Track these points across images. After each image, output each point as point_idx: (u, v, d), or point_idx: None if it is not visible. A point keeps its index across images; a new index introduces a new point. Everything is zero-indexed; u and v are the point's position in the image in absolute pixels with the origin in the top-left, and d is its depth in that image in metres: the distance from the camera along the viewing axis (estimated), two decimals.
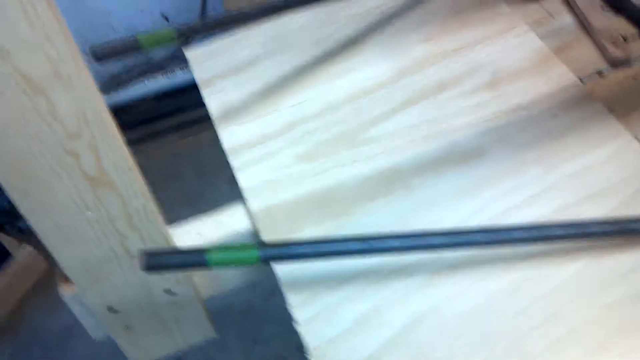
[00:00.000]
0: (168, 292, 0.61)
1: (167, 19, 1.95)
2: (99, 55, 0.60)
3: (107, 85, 2.03)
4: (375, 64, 0.74)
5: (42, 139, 0.44)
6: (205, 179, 1.93)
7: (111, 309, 0.60)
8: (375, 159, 0.64)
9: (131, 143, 0.49)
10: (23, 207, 0.49)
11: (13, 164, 0.45)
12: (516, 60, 0.71)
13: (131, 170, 0.50)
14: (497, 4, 0.78)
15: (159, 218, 0.55)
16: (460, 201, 0.61)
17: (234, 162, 0.66)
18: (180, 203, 1.74)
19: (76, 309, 0.62)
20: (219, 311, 0.68)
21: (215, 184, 1.92)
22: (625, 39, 0.74)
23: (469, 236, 0.51)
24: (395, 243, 0.48)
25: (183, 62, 2.01)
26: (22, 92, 0.41)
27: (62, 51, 0.40)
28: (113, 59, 0.62)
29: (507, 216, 0.59)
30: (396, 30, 0.77)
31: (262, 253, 0.45)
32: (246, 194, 0.63)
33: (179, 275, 0.59)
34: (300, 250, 0.47)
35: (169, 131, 2.00)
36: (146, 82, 1.99)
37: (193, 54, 0.78)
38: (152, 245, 0.56)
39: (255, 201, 0.63)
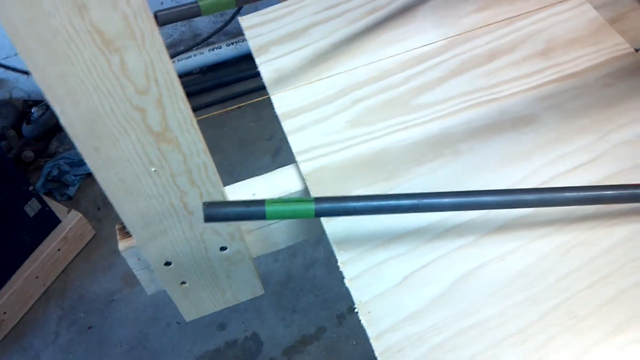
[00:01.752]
0: (222, 248, 0.63)
1: None
2: (163, 20, 0.62)
3: None
4: (427, 32, 0.74)
5: (113, 95, 0.46)
6: (247, 150, 1.96)
7: (168, 264, 0.62)
8: (424, 125, 0.65)
9: None
10: (92, 162, 0.51)
11: (86, 121, 0.47)
12: (570, 30, 0.71)
13: (193, 128, 0.52)
14: None
15: (217, 176, 0.57)
16: (509, 167, 0.61)
17: (286, 126, 0.68)
18: (224, 174, 1.78)
19: (133, 263, 0.64)
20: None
21: (257, 155, 1.95)
22: None
23: (520, 195, 0.51)
24: (447, 201, 0.49)
25: (229, 37, 2.04)
26: (97, 49, 0.43)
27: (137, 9, 0.42)
28: (174, 23, 0.64)
29: (558, 182, 0.59)
30: (448, 0, 0.77)
31: (318, 206, 0.47)
32: (298, 156, 0.65)
33: (234, 232, 0.61)
34: (354, 205, 0.48)
35: (213, 104, 2.03)
36: (192, 56, 2.02)
37: (248, 21, 0.80)
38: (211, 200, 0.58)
39: (306, 163, 0.64)
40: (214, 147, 1.89)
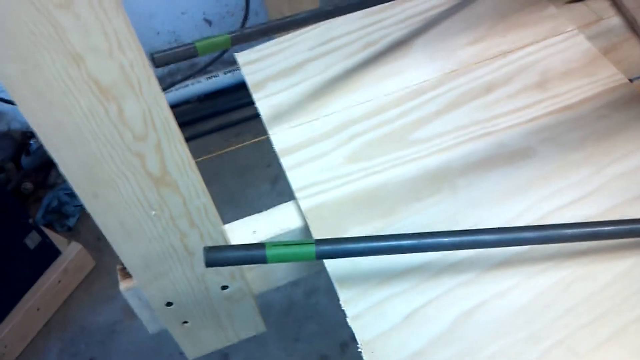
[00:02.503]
0: (224, 287, 0.63)
1: (209, 22, 1.99)
2: (160, 62, 0.63)
3: None
4: (423, 66, 0.75)
5: (111, 143, 0.47)
6: (246, 178, 1.97)
7: (169, 304, 0.62)
8: (422, 160, 0.66)
9: None
10: (91, 208, 0.51)
11: (85, 168, 0.48)
12: (564, 61, 0.72)
13: (192, 170, 0.52)
14: (543, 6, 0.79)
15: (217, 216, 0.57)
16: (507, 201, 0.61)
17: (285, 162, 0.68)
18: (223, 203, 1.78)
19: (134, 303, 0.64)
20: (261, 309, 0.70)
21: (256, 184, 1.95)
22: None
23: (518, 233, 0.52)
24: (446, 240, 0.50)
25: (226, 65, 2.05)
26: (95, 98, 0.44)
27: (133, 59, 0.43)
28: (174, 63, 0.64)
29: (555, 217, 0.60)
30: (443, 33, 0.78)
31: (318, 249, 0.47)
32: (297, 193, 0.65)
33: (235, 271, 0.61)
34: (355, 246, 0.48)
35: (211, 133, 2.04)
36: (190, 84, 2.03)
37: (244, 58, 0.81)
38: (210, 242, 0.58)
39: (305, 200, 0.65)
40: (213, 176, 1.90)
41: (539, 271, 0.56)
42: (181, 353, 1.69)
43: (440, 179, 0.64)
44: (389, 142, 0.68)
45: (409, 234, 0.50)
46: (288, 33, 0.81)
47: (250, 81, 0.78)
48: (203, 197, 0.54)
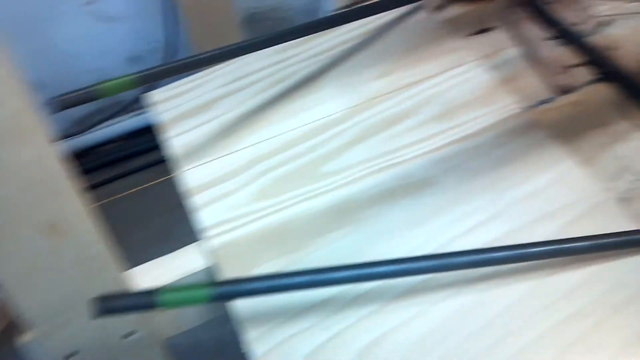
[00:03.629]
0: (128, 334, 0.62)
1: (135, 59, 1.98)
2: (62, 106, 0.62)
3: (77, 126, 2.04)
4: (330, 101, 0.76)
5: None
6: (176, 216, 1.93)
7: (69, 356, 0.61)
8: (329, 193, 0.67)
9: (100, 184, 0.51)
10: None
11: None
12: (466, 92, 0.74)
13: (87, 219, 0.51)
14: (448, 39, 0.81)
15: (116, 263, 0.56)
16: (411, 230, 0.63)
17: (193, 202, 0.68)
18: (152, 242, 1.75)
19: (35, 357, 0.63)
20: (189, 349, 0.69)
21: (186, 222, 1.92)
22: (571, 68, 0.77)
23: (415, 263, 0.53)
24: (342, 275, 0.50)
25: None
26: None
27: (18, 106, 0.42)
28: (77, 106, 0.64)
29: (456, 244, 0.61)
30: (351, 68, 0.80)
31: (212, 292, 0.47)
32: (204, 232, 0.65)
33: (139, 316, 0.60)
34: (251, 286, 0.48)
35: (138, 170, 2.01)
36: (114, 123, 2.01)
37: (156, 96, 0.81)
38: (110, 289, 0.57)
39: (212, 240, 0.64)
40: (141, 214, 1.87)
41: (440, 298, 0.57)
42: None
43: (346, 212, 0.65)
44: (297, 177, 0.69)
45: (304, 270, 0.50)
46: (200, 70, 0.82)
47: (163, 120, 0.78)
48: (99, 245, 0.53)
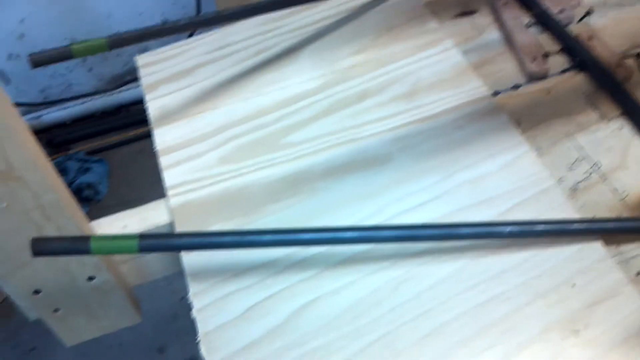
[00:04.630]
0: (90, 278, 0.66)
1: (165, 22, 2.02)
2: (36, 63, 0.66)
3: (110, 84, 2.11)
4: (305, 73, 0.78)
5: None
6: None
7: (37, 292, 0.65)
8: (288, 163, 0.69)
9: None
10: None
11: None
12: (435, 73, 0.76)
13: (40, 167, 0.55)
14: (426, 20, 0.82)
15: (73, 210, 0.60)
16: (361, 204, 0.65)
17: (162, 161, 0.72)
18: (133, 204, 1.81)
19: (7, 291, 0.67)
20: (146, 315, 0.73)
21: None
22: (547, 55, 0.77)
23: (350, 233, 0.55)
24: (269, 237, 0.53)
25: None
26: None
27: None
28: (50, 65, 0.67)
29: (402, 218, 0.63)
30: (330, 43, 0.82)
31: (141, 243, 0.50)
32: (168, 191, 0.69)
33: (99, 262, 0.64)
34: (178, 242, 0.52)
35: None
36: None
37: (143, 60, 0.84)
38: (68, 234, 0.61)
39: (174, 198, 0.68)
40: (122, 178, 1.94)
41: (375, 270, 0.60)
42: (121, 344, 1.71)
43: (301, 182, 0.68)
44: (261, 146, 0.72)
45: (234, 231, 0.53)
46: (180, 37, 0.85)
47: (144, 83, 0.81)
48: (54, 192, 0.57)
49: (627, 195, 0.64)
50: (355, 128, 0.72)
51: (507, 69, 0.77)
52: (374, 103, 0.74)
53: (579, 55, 0.76)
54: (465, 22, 0.83)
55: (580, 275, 0.58)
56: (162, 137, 0.74)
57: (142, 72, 0.82)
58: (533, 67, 0.75)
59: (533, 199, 0.63)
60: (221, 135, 0.73)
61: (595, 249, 0.59)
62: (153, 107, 0.78)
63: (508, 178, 0.65)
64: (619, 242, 0.60)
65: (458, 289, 0.58)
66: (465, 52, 0.78)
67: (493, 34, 0.81)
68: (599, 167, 0.66)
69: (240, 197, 0.67)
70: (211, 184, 0.69)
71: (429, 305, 0.57)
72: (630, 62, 0.75)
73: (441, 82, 0.75)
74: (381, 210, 0.64)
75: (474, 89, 0.73)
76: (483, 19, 0.83)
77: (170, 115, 0.76)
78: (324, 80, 0.77)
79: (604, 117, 0.71)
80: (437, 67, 0.76)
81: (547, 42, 0.79)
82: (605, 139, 0.69)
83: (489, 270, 0.59)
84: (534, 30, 0.81)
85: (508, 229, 0.56)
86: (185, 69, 0.82)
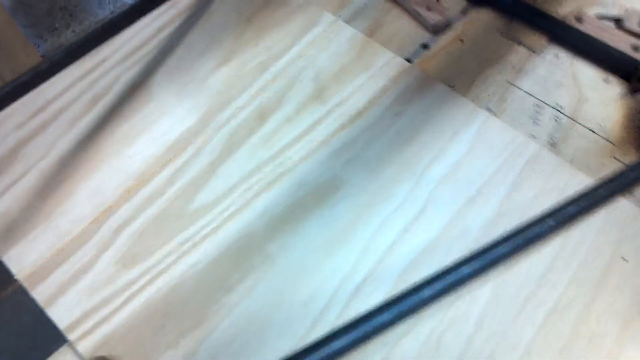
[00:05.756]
0: None
1: None
2: None
3: None
4: (173, 110, 0.59)
5: None
6: None
7: None
8: (216, 234, 0.51)
9: None
10: None
11: None
12: (333, 58, 0.61)
13: None
14: None
15: None
16: (337, 250, 0.50)
17: (38, 296, 0.50)
18: None
19: None
20: None
21: None
22: None
23: (382, 315, 0.40)
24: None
25: None
26: None
27: None
28: None
29: (395, 251, 0.49)
30: (183, 59, 0.63)
31: None
32: (69, 334, 0.47)
33: None
34: None
35: None
36: None
37: None
38: None
39: (82, 342, 0.47)
40: None
41: (405, 332, 0.46)
42: None
43: (247, 252, 0.50)
44: (166, 224, 0.52)
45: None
46: None
47: None
48: None
49: (609, 129, 0.56)
50: (274, 159, 0.55)
51: (404, 28, 0.64)
52: (280, 120, 0.57)
53: None
54: None
55: (625, 243, 0.48)
56: (20, 259, 0.52)
57: None
58: (433, 17, 0.64)
59: (527, 170, 0.53)
60: (103, 229, 0.53)
61: (623, 206, 0.50)
62: None
63: (485, 155, 0.54)
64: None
65: (509, 312, 0.46)
66: (347, 22, 0.64)
67: None
68: (562, 110, 0.57)
69: (175, 306, 0.48)
70: (127, 301, 0.49)
71: (488, 350, 0.45)
72: None
73: (346, 66, 0.60)
74: (367, 250, 0.50)
75: (388, 62, 0.60)
76: None
77: (17, 226, 0.54)
78: (200, 112, 0.59)
79: (533, 50, 0.62)
80: (331, 49, 0.62)
81: None
82: (549, 75, 0.60)
83: (530, 277, 0.47)
84: None
85: (547, 224, 0.45)
86: (3, 155, 0.58)
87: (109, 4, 0.98)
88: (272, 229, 0.51)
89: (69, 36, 0.89)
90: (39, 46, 0.93)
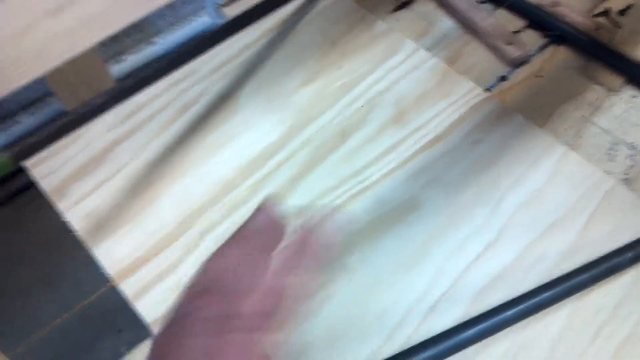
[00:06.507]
0: None
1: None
2: None
3: None
4: (258, 123, 0.62)
5: None
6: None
7: None
8: None
9: None
10: None
11: None
12: (414, 83, 0.63)
13: None
14: (371, 22, 0.69)
15: None
16: (410, 270, 0.51)
17: (128, 290, 0.52)
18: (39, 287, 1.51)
19: None
20: None
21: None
22: (515, 34, 0.68)
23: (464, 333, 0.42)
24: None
25: None
26: None
27: None
28: None
29: (470, 273, 0.50)
30: (269, 76, 0.65)
31: None
32: (152, 329, 0.50)
33: None
34: None
35: None
36: None
37: (31, 161, 0.62)
38: None
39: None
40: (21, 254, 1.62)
41: (476, 352, 0.47)
42: None
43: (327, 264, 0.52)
44: None
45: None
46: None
47: (47, 186, 0.59)
48: None
49: None
50: (355, 176, 0.57)
51: (483, 60, 0.66)
52: (360, 139, 0.60)
53: (550, 26, 0.67)
54: (408, 15, 0.71)
55: None
56: (108, 255, 0.54)
57: (37, 174, 0.60)
58: (513, 51, 0.65)
59: (604, 204, 0.54)
60: (190, 232, 0.55)
61: None
62: (76, 219, 0.57)
63: (563, 188, 0.55)
64: None
65: (583, 340, 0.47)
66: (429, 51, 0.66)
67: (446, 21, 0.70)
68: (637, 147, 0.58)
69: None
70: None
71: None
72: (602, 20, 0.68)
73: (427, 92, 0.62)
74: (441, 272, 0.51)
75: (469, 91, 0.62)
76: (425, 6, 0.72)
77: (105, 224, 0.56)
78: (284, 128, 0.61)
79: (610, 89, 0.63)
80: (413, 75, 0.64)
81: (507, 18, 0.70)
82: (625, 115, 0.61)
83: (606, 306, 0.48)
84: (488, 7, 0.71)
85: (627, 257, 0.46)
86: (94, 156, 0.61)
87: (169, 15, 1.02)
88: (351, 242, 0.53)
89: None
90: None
